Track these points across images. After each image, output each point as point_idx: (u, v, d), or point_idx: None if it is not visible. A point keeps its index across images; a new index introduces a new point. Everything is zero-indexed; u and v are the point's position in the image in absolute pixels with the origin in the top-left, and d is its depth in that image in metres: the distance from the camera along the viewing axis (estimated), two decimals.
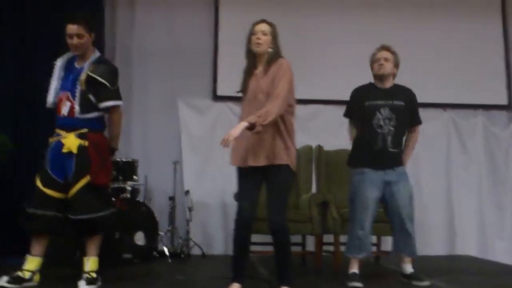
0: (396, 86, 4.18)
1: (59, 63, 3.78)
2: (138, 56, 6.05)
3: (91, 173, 3.59)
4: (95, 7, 5.73)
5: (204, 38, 6.11)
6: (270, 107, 3.31)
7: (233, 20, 5.96)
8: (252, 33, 3.49)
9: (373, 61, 4.15)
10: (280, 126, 3.43)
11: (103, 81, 3.67)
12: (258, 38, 3.45)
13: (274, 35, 3.50)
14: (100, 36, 5.71)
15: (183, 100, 6.04)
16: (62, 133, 3.66)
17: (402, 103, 4.10)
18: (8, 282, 3.52)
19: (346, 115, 4.28)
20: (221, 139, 3.26)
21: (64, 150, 3.60)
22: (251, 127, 3.27)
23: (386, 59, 4.10)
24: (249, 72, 3.53)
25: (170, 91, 6.06)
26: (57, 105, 3.73)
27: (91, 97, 3.66)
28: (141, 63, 6.05)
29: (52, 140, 3.72)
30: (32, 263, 3.65)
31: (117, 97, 3.79)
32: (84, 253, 3.73)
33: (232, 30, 5.86)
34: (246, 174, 3.47)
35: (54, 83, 3.73)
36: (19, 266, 3.65)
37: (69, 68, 3.76)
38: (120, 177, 5.22)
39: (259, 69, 3.51)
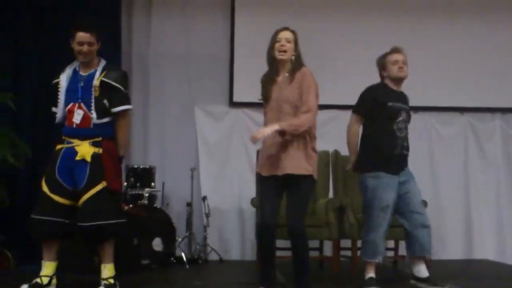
0: (402, 91, 4.18)
1: (63, 82, 3.77)
2: (155, 63, 6.10)
3: (106, 179, 3.63)
4: (112, 16, 5.80)
5: (220, 45, 6.14)
6: (303, 120, 3.37)
7: (249, 27, 5.99)
8: (276, 40, 3.50)
9: (390, 62, 4.09)
10: (306, 137, 3.47)
11: (116, 85, 3.73)
12: (283, 46, 3.47)
13: (296, 43, 3.53)
14: (117, 44, 5.80)
15: (200, 107, 6.08)
16: (75, 141, 3.69)
17: (408, 107, 4.13)
18: None
19: (359, 112, 4.10)
20: (251, 135, 3.35)
21: (78, 158, 3.62)
22: (281, 132, 3.33)
23: (404, 62, 4.08)
24: (271, 80, 3.53)
25: (186, 98, 6.10)
26: (66, 117, 3.76)
27: (105, 102, 3.71)
28: (157, 70, 6.10)
29: (61, 146, 3.73)
30: (48, 269, 3.69)
31: (129, 101, 3.86)
32: (100, 261, 3.77)
33: (248, 37, 5.89)
34: (268, 182, 3.48)
35: (62, 98, 3.74)
36: (36, 273, 3.69)
37: (74, 78, 3.77)
38: (138, 184, 5.27)
39: (281, 77, 3.52)
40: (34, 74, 5.49)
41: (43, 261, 3.71)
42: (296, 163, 3.43)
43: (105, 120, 3.73)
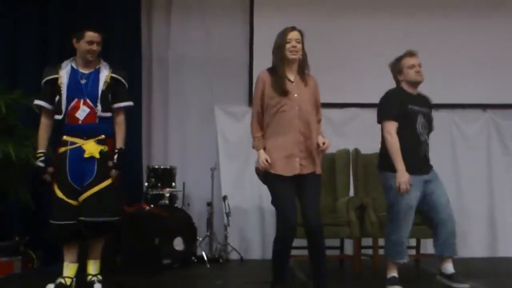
0: (419, 93, 4.12)
1: (64, 79, 3.79)
2: (175, 65, 6.15)
3: (112, 176, 3.72)
4: (133, 19, 5.87)
5: (240, 46, 6.16)
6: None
7: (268, 28, 5.90)
8: (286, 41, 3.50)
9: (406, 66, 4.02)
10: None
11: (124, 81, 3.88)
12: (294, 46, 3.49)
13: (303, 43, 3.55)
14: (137, 47, 5.87)
15: (220, 107, 6.11)
16: (78, 140, 3.72)
17: (429, 110, 4.07)
18: None
19: (390, 116, 3.95)
20: (324, 146, 3.46)
21: (86, 155, 3.68)
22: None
23: (420, 65, 4.02)
24: (282, 78, 3.51)
25: (206, 99, 6.14)
26: (68, 114, 3.76)
27: (109, 97, 3.80)
28: (177, 72, 6.15)
29: (65, 148, 3.73)
30: (71, 270, 3.74)
31: (130, 98, 3.97)
32: (87, 256, 3.81)
33: (266, 37, 5.76)
34: (286, 182, 3.47)
35: (65, 94, 3.76)
36: (59, 274, 3.74)
37: (74, 75, 3.80)
38: (159, 184, 5.32)
39: (292, 77, 3.53)
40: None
41: (65, 263, 3.76)
42: (315, 163, 3.50)
43: (108, 115, 3.80)
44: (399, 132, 3.97)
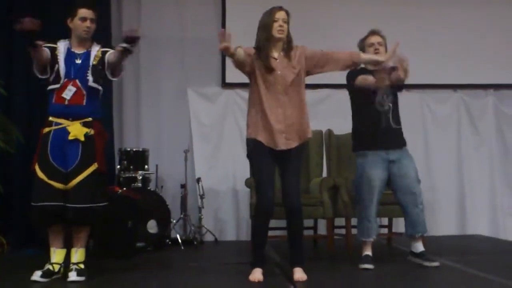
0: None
1: (61, 48, 3.72)
2: (147, 46, 6.03)
3: (98, 161, 3.62)
4: (102, 2, 5.73)
5: (212, 27, 6.08)
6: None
7: (240, 8, 5.94)
8: (273, 19, 3.56)
9: (367, 45, 4.13)
10: (304, 100, 3.64)
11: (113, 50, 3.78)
12: (281, 26, 3.56)
13: (289, 23, 3.61)
14: (107, 28, 5.75)
15: (192, 89, 6.06)
16: (64, 121, 3.63)
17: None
18: (41, 276, 3.56)
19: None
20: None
21: (71, 137, 3.57)
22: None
23: (380, 44, 4.10)
24: (267, 56, 3.58)
25: (179, 80, 6.07)
26: (57, 92, 3.66)
27: (101, 71, 3.73)
28: (149, 53, 6.04)
29: (49, 129, 3.64)
30: (59, 256, 3.67)
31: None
32: (72, 244, 3.71)
33: (239, 18, 5.83)
34: (267, 157, 3.55)
35: (62, 66, 3.66)
36: (30, 258, 3.68)
37: (68, 55, 3.71)
38: (131, 167, 5.27)
39: (276, 54, 3.61)
40: (27, 58, 5.41)
41: (52, 249, 3.67)
42: (303, 131, 3.64)
43: (98, 87, 3.71)
44: (358, 110, 4.08)
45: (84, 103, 3.65)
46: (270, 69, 3.56)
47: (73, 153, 3.59)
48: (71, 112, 3.64)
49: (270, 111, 3.54)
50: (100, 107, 3.80)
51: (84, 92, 3.65)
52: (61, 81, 3.64)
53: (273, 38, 3.58)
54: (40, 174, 3.58)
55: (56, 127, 3.63)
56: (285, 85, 3.57)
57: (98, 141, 3.67)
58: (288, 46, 3.62)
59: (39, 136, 3.70)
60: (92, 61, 3.72)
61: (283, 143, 3.54)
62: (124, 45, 3.57)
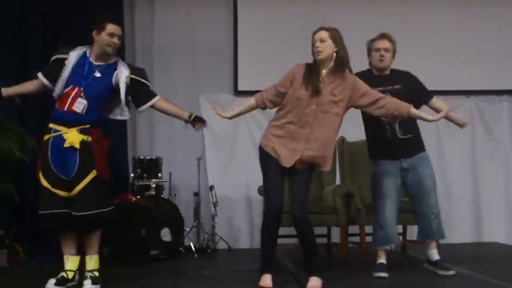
0: (393, 71, 4.07)
1: (72, 58, 3.70)
2: (159, 54, 6.09)
3: (96, 168, 3.57)
4: (115, 8, 5.78)
5: (224, 34, 6.11)
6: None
7: (252, 15, 5.95)
8: (312, 43, 3.57)
9: (373, 49, 4.01)
10: (334, 131, 3.59)
11: (146, 82, 3.83)
12: (317, 47, 3.54)
13: (335, 39, 3.54)
14: (120, 36, 5.76)
15: (205, 96, 6.07)
16: (62, 128, 3.60)
17: (400, 86, 3.96)
18: (55, 284, 3.55)
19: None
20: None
21: (66, 145, 3.54)
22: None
23: (386, 50, 3.97)
24: (314, 75, 3.53)
25: (191, 88, 6.10)
26: (60, 98, 3.64)
27: (129, 99, 3.78)
28: (162, 61, 6.09)
29: (48, 136, 3.62)
30: (72, 263, 3.66)
31: (155, 93, 3.95)
32: (85, 252, 3.69)
33: (251, 25, 5.85)
34: (277, 168, 3.52)
35: (65, 74, 3.65)
36: (47, 266, 3.69)
37: (83, 62, 3.70)
38: (145, 175, 5.30)
39: (323, 75, 3.54)
40: (40, 67, 5.48)
41: (65, 256, 3.67)
42: (321, 164, 3.59)
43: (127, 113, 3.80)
44: (365, 120, 4.06)
45: (82, 114, 3.61)
46: (316, 92, 3.48)
47: (71, 160, 3.56)
48: (69, 119, 3.60)
49: (293, 128, 3.50)
50: (100, 113, 3.73)
51: (86, 103, 3.62)
52: (65, 89, 3.64)
53: (315, 61, 3.56)
54: (44, 182, 3.59)
55: (54, 134, 3.62)
56: (319, 109, 3.48)
57: (96, 148, 3.61)
58: (335, 70, 3.54)
59: (41, 143, 3.71)
60: (124, 87, 3.71)
61: (289, 163, 3.49)
62: (188, 122, 3.94)
